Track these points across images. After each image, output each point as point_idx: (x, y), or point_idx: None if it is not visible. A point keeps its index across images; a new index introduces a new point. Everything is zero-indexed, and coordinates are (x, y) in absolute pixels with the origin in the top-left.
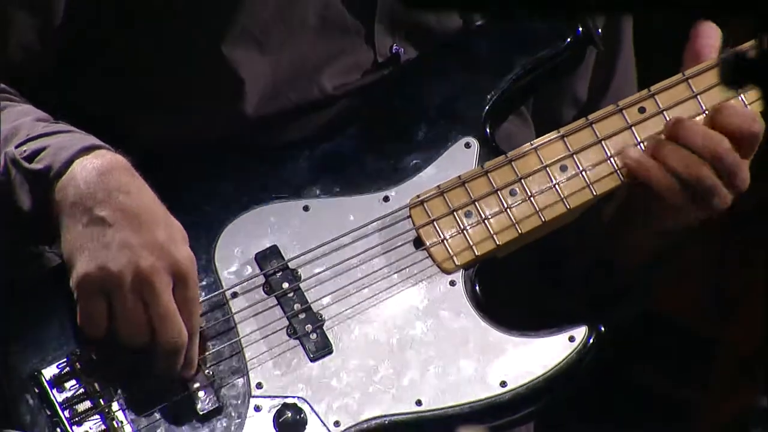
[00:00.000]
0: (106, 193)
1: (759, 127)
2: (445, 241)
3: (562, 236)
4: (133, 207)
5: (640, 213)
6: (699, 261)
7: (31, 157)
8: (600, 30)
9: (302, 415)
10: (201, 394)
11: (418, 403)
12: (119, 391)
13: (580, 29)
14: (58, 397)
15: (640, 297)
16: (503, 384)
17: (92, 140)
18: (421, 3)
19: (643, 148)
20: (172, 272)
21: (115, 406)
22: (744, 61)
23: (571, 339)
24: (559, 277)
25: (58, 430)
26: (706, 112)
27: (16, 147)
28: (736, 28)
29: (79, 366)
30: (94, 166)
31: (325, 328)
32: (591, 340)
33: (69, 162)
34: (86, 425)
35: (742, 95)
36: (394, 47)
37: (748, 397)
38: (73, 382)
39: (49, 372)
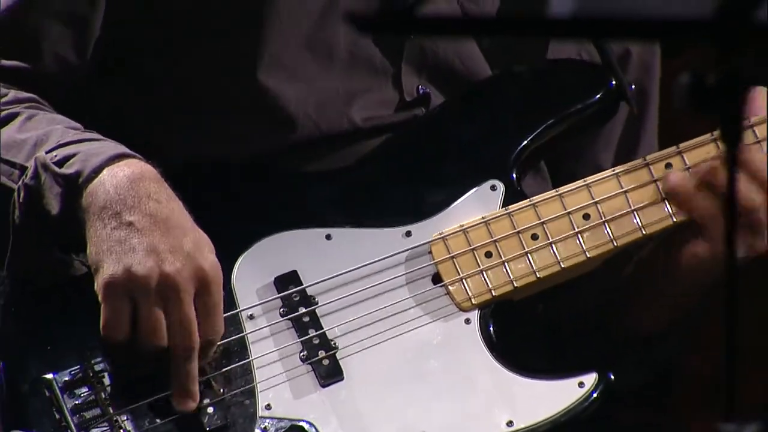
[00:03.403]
0: (136, 199)
1: None
2: (463, 280)
3: (581, 284)
4: (162, 214)
5: (667, 267)
6: None
7: (62, 162)
8: (633, 86)
9: None
10: (210, 410)
11: None
12: (129, 402)
13: (613, 83)
14: (68, 402)
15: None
16: (510, 424)
17: (123, 149)
18: (373, 28)
19: (667, 204)
20: (197, 279)
21: (123, 416)
22: (701, 87)
23: (581, 385)
24: (574, 322)
25: None
26: None
27: (47, 152)
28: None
29: (91, 374)
30: (125, 174)
31: (338, 355)
32: (600, 388)
33: (99, 168)
34: None
35: None
36: (421, 88)
37: (710, 422)
38: (85, 389)
39: (62, 377)
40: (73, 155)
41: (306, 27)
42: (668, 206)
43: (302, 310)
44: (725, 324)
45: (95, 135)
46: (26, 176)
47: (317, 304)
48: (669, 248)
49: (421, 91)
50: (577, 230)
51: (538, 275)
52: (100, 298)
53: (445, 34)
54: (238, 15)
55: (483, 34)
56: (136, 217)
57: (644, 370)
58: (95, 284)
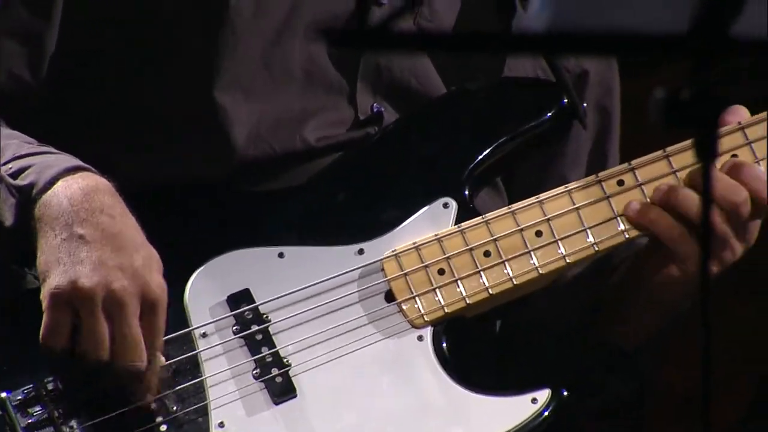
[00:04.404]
0: (89, 212)
1: None
2: (416, 297)
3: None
4: (114, 229)
5: (640, 286)
6: None
7: (17, 174)
8: (585, 105)
9: None
10: (163, 428)
11: None
12: (82, 421)
13: (565, 101)
14: (22, 422)
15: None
16: None
17: (78, 162)
18: (345, 42)
19: (619, 221)
20: (143, 297)
21: None
22: (676, 102)
23: (534, 401)
24: (527, 338)
25: None
26: None
27: (2, 165)
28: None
29: (44, 392)
30: (79, 186)
31: (290, 373)
32: (553, 404)
33: (54, 180)
34: None
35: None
36: (375, 106)
37: None
38: (38, 408)
39: (16, 396)
40: (28, 167)
41: (262, 45)
42: (621, 223)
43: (255, 327)
44: (701, 340)
45: (51, 149)
46: None
47: (270, 321)
48: (639, 269)
49: (375, 110)
50: (529, 247)
51: (490, 292)
52: (43, 307)
53: (421, 50)
54: (193, 33)
55: (460, 51)
56: (88, 230)
57: (619, 385)
58: (41, 293)
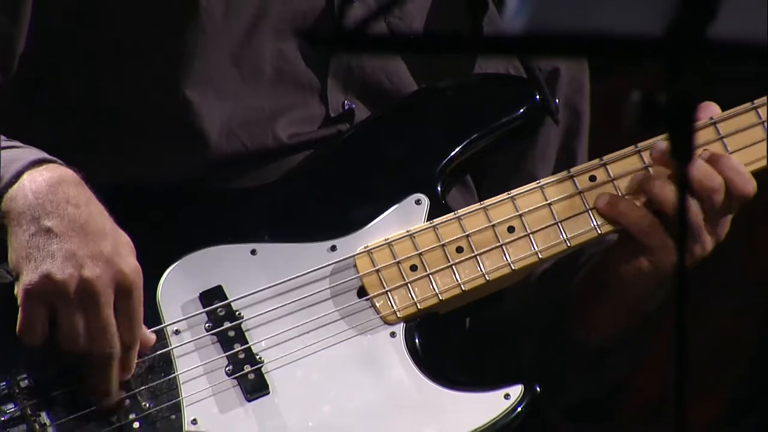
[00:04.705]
0: (54, 204)
1: (752, 189)
2: (388, 293)
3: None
4: (81, 218)
5: (609, 282)
6: None
7: None
8: (557, 100)
9: None
10: (136, 425)
11: None
12: (56, 418)
13: (537, 97)
14: None
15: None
16: None
17: (43, 154)
18: (328, 45)
19: (592, 216)
20: (116, 283)
21: (50, 431)
22: (653, 105)
23: (506, 396)
24: (500, 334)
25: None
26: None
27: None
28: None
29: (17, 390)
30: (44, 178)
31: (263, 369)
32: (526, 399)
33: (19, 174)
34: None
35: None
36: (346, 103)
37: None
38: (11, 405)
39: None
40: None
41: (232, 44)
42: (593, 218)
43: (227, 324)
44: (675, 339)
45: (16, 143)
46: None
47: (242, 318)
48: (607, 266)
49: (346, 107)
50: (501, 243)
51: (463, 288)
52: (18, 303)
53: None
54: (163, 31)
55: (433, 53)
56: (55, 222)
57: (590, 385)
58: (15, 289)
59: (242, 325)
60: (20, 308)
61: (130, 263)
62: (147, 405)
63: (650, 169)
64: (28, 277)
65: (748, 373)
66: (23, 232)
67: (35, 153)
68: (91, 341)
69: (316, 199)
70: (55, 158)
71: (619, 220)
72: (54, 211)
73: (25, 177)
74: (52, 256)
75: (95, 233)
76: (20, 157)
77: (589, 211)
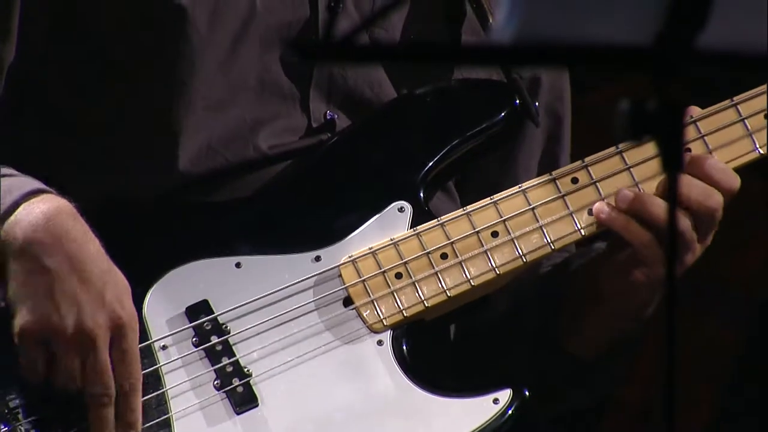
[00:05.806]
0: (53, 239)
1: (738, 185)
2: (374, 302)
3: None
4: (80, 257)
5: (602, 295)
6: None
7: None
8: (537, 104)
9: None
10: None
11: None
12: None
13: (517, 101)
14: None
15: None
16: None
17: (38, 184)
18: (313, 55)
19: (575, 218)
20: (113, 327)
21: None
22: (641, 113)
23: (495, 401)
24: (492, 338)
25: None
26: (639, 185)
27: None
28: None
29: (6, 411)
30: (41, 210)
31: (251, 382)
32: (515, 404)
33: (15, 205)
34: None
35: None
36: (328, 113)
37: None
38: (2, 426)
39: None
40: None
41: (218, 57)
42: (576, 220)
43: (214, 339)
44: (666, 349)
45: (8, 170)
46: None
47: (229, 332)
48: (596, 277)
49: (328, 117)
50: (486, 248)
51: (449, 294)
52: (16, 341)
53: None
54: (147, 44)
55: (417, 62)
56: (55, 261)
57: (578, 394)
58: (12, 327)
59: (229, 339)
60: (20, 349)
61: (128, 308)
62: None
63: (632, 170)
64: (26, 317)
65: (735, 381)
66: (23, 269)
67: (30, 183)
68: (88, 382)
69: (299, 210)
70: (50, 188)
71: (622, 233)
72: (53, 247)
73: (21, 209)
74: (51, 298)
75: (94, 275)
76: (15, 188)
77: (573, 214)
